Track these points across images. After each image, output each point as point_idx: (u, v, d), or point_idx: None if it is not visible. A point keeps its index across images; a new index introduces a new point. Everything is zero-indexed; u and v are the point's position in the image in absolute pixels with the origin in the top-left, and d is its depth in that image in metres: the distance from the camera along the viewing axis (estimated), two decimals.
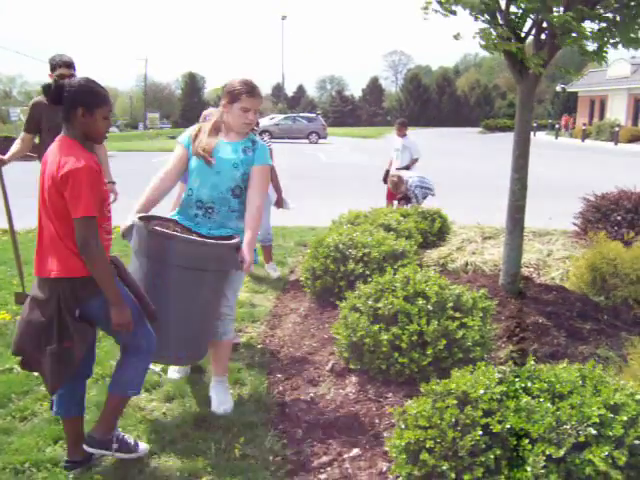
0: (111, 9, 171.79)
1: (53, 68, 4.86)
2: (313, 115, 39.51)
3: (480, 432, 2.33)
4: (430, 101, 65.02)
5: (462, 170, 17.80)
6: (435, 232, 7.61)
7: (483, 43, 4.69)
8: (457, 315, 3.66)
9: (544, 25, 4.57)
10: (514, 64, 4.77)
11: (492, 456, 2.30)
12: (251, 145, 3.51)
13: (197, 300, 3.21)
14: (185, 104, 74.57)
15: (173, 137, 43.95)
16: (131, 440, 2.97)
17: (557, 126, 38.54)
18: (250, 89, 3.46)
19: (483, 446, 2.32)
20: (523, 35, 4.82)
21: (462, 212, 9.11)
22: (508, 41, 4.61)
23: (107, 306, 2.71)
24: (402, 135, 9.00)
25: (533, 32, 4.73)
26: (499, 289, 5.13)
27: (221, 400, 3.53)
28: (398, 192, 8.63)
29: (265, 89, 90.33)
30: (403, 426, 2.47)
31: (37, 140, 5.03)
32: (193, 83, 75.65)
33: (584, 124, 35.96)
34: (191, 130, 3.56)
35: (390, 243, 5.37)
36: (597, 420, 2.31)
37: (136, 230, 3.22)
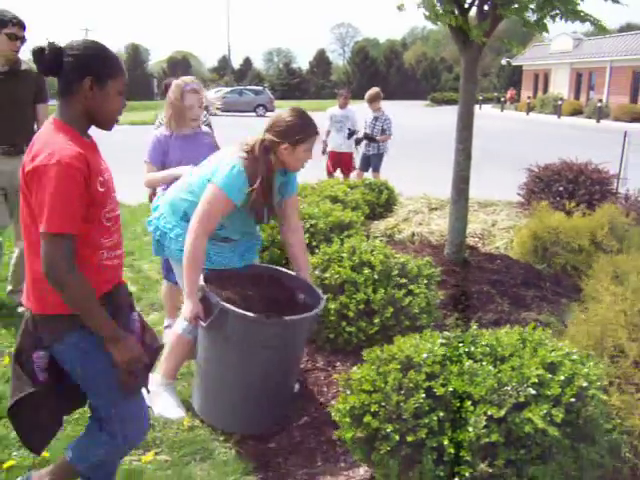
0: None
1: (2, 23, 4.08)
2: (260, 88, 39.09)
3: (423, 395, 2.37)
4: (378, 74, 64.95)
5: (410, 142, 17.91)
6: (382, 203, 7.68)
7: (427, 14, 4.70)
8: (403, 282, 3.71)
9: None
10: (457, 35, 4.80)
11: (435, 418, 2.35)
12: (283, 178, 3.23)
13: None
14: (128, 76, 72.32)
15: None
16: None
17: (503, 99, 39.13)
18: (316, 129, 3.11)
19: (426, 408, 2.37)
20: (467, 6, 4.85)
21: (410, 184, 9.19)
22: (451, 12, 4.63)
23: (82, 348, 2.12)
24: (344, 106, 8.95)
25: (476, 2, 4.76)
26: (445, 259, 5.21)
27: (170, 405, 3.28)
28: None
29: (210, 62, 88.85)
30: (348, 392, 2.50)
31: None
32: (136, 55, 73.59)
33: (528, 97, 36.61)
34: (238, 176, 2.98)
35: (337, 214, 5.38)
36: (536, 380, 2.38)
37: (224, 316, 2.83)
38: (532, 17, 4.62)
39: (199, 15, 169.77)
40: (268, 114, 34.56)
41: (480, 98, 42.53)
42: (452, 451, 2.30)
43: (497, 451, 2.29)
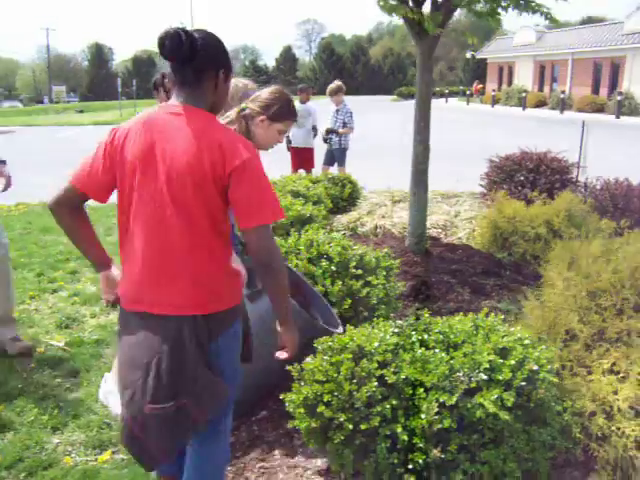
0: None
1: None
2: None
3: (375, 383, 2.37)
4: (344, 70, 65.04)
5: (374, 137, 17.96)
6: (346, 197, 7.71)
7: (381, 4, 4.71)
8: (359, 273, 3.71)
9: None
10: (412, 26, 4.82)
11: (388, 406, 2.35)
12: None
13: None
14: (93, 76, 71.64)
15: (81, 111, 42.14)
16: None
17: (468, 92, 39.45)
18: (295, 114, 3.10)
19: (379, 397, 2.37)
20: None
21: (375, 178, 9.21)
22: (404, 4, 4.65)
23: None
24: (305, 101, 8.94)
25: None
26: (406, 250, 5.24)
27: None
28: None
29: None
30: (302, 383, 2.49)
31: None
32: (100, 54, 72.69)
33: (493, 90, 36.95)
34: None
35: (297, 209, 5.37)
36: (487, 366, 2.40)
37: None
38: (484, 8, 4.66)
39: (163, 13, 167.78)
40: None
41: (446, 91, 42.89)
42: (405, 438, 2.30)
43: (450, 437, 2.31)
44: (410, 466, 2.30)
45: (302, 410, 2.42)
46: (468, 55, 45.91)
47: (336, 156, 8.96)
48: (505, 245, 5.41)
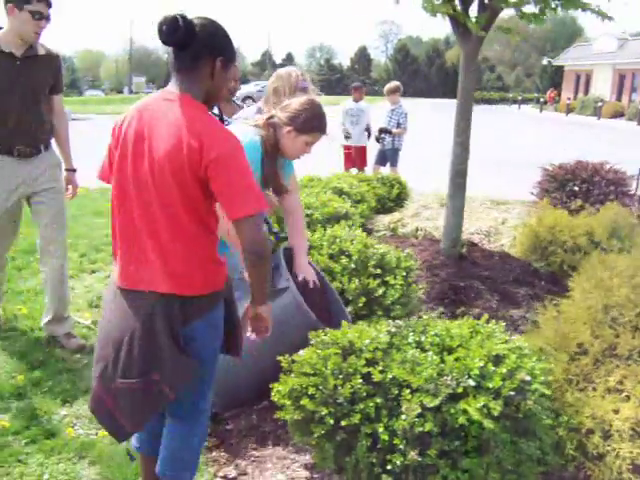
0: None
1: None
2: None
3: (360, 380, 2.35)
4: (419, 72, 64.65)
5: (432, 139, 17.75)
6: (393, 198, 7.65)
7: (425, 5, 4.65)
8: (378, 272, 3.68)
9: None
10: (457, 27, 4.74)
11: (371, 404, 2.33)
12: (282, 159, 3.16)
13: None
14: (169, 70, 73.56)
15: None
16: None
17: (542, 100, 38.43)
18: (324, 126, 3.05)
19: (364, 394, 2.35)
20: None
21: (427, 180, 9.10)
22: (448, 3, 4.57)
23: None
24: (358, 100, 8.93)
25: None
26: (440, 253, 5.16)
27: None
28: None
29: (254, 56, 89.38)
30: (291, 375, 2.49)
31: None
32: None
33: (568, 98, 35.88)
34: (255, 153, 2.90)
35: (334, 205, 5.36)
36: (477, 372, 2.34)
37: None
38: (534, 9, 4.54)
39: (242, 8, 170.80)
40: None
41: (519, 98, 41.94)
42: (386, 438, 2.27)
43: (431, 441, 2.27)
44: (389, 467, 2.27)
45: (287, 401, 2.43)
46: (544, 62, 44.71)
47: (389, 156, 8.92)
48: (544, 254, 5.25)
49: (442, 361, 2.43)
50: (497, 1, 4.38)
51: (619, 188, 7.08)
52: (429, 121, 27.03)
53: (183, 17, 1.88)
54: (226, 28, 2.02)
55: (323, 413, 2.34)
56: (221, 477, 2.66)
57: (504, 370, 2.35)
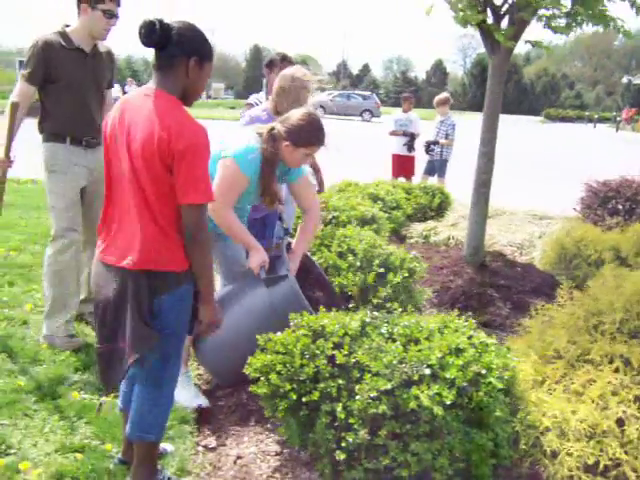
0: None
1: None
2: (368, 93, 39.44)
3: (324, 361, 2.52)
4: None
5: (505, 156, 17.59)
6: (435, 207, 7.73)
7: (455, 16, 4.77)
8: (382, 271, 3.82)
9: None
10: (486, 38, 4.82)
11: (333, 384, 2.49)
12: (284, 167, 3.30)
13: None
14: (248, 76, 75.39)
15: (233, 107, 44.29)
16: None
17: (618, 119, 37.24)
18: (322, 139, 3.19)
19: (327, 375, 2.51)
20: (502, 12, 4.85)
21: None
22: (478, 14, 4.67)
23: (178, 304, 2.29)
24: (407, 110, 9.06)
25: (506, 8, 4.77)
26: (461, 260, 5.23)
27: (193, 393, 3.25)
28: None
29: (330, 66, 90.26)
30: (266, 351, 2.68)
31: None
32: (257, 55, 76.25)
33: None
34: (251, 155, 3.10)
35: (361, 209, 5.52)
36: (435, 362, 2.47)
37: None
38: (561, 23, 4.59)
39: (322, 19, 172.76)
40: (374, 119, 34.82)
41: (595, 116, 40.75)
42: (343, 417, 2.43)
43: (384, 423, 2.40)
44: (343, 444, 2.42)
45: (258, 376, 2.62)
46: (625, 80, 43.31)
47: (436, 167, 8.99)
48: (568, 267, 5.24)
49: (405, 350, 2.56)
50: (525, 14, 4.45)
51: None
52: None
53: (160, 21, 2.12)
54: (202, 31, 2.24)
55: (287, 389, 2.52)
56: (202, 446, 2.87)
57: (461, 362, 2.47)
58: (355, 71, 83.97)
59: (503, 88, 4.97)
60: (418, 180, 8.98)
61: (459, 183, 8.53)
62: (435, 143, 8.77)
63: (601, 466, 2.41)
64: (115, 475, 2.57)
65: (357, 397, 2.42)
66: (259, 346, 2.71)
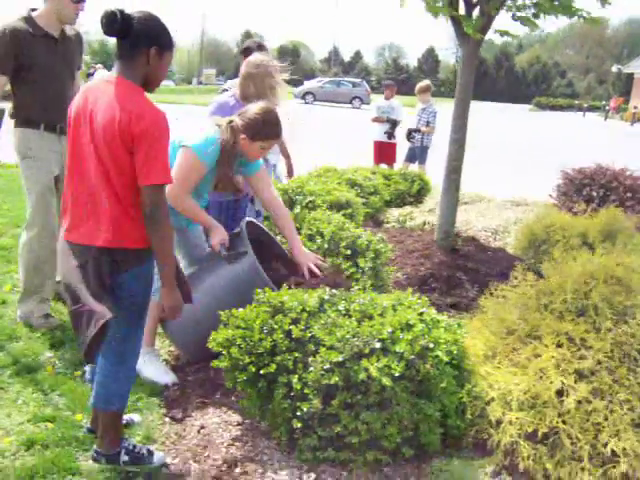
0: None
1: None
2: (358, 80, 39.46)
3: (282, 335, 2.66)
4: (486, 75, 63.86)
5: (484, 144, 17.73)
6: (413, 193, 7.87)
7: (427, 8, 4.87)
8: (348, 253, 3.95)
9: None
10: (457, 28, 4.94)
11: (289, 357, 2.63)
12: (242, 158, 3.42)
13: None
14: (239, 62, 74.92)
15: (224, 91, 44.17)
16: (144, 450, 2.62)
17: (607, 108, 37.43)
18: (278, 133, 3.35)
19: (284, 348, 2.65)
20: (474, 2, 4.96)
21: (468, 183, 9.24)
22: (449, 6, 4.78)
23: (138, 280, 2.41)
24: (389, 98, 9.17)
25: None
26: (432, 244, 5.37)
27: (162, 370, 3.37)
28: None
29: (321, 53, 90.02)
30: (228, 328, 2.81)
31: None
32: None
33: (635, 107, 34.76)
34: (211, 147, 3.22)
35: (336, 194, 5.64)
36: (386, 337, 2.61)
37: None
38: (527, 14, 4.71)
39: (314, 5, 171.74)
40: (363, 106, 34.85)
41: (585, 105, 40.92)
42: (298, 388, 2.57)
43: (336, 393, 2.55)
44: (298, 413, 2.56)
45: (220, 349, 2.75)
46: (614, 69, 43.48)
47: (417, 154, 9.12)
48: (537, 252, 5.39)
49: (359, 326, 2.70)
50: (490, 7, 4.56)
51: (637, 195, 7.09)
52: (476, 125, 26.85)
53: (121, 11, 2.23)
54: (162, 20, 2.35)
55: (246, 361, 2.65)
56: (169, 417, 3.01)
57: (410, 337, 2.61)
58: (347, 58, 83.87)
59: (474, 76, 5.08)
60: (399, 167, 9.12)
61: (440, 170, 8.66)
62: (416, 131, 8.90)
63: (539, 434, 2.56)
64: (83, 442, 2.70)
65: (311, 369, 2.56)
66: (222, 322, 2.85)
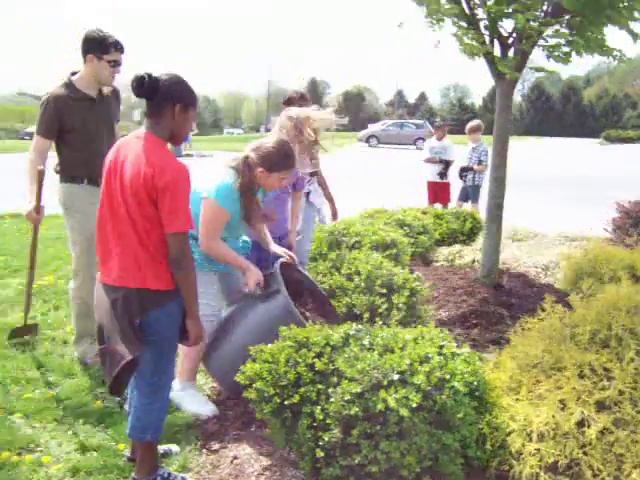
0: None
1: (104, 48, 3.86)
2: (421, 121, 39.66)
3: (305, 368, 2.79)
4: (552, 111, 62.96)
5: (545, 179, 17.49)
6: (466, 232, 7.92)
7: (461, 48, 5.04)
8: (384, 291, 4.07)
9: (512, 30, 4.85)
10: (492, 67, 5.06)
11: (312, 389, 2.76)
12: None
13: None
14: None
15: None
16: (178, 478, 2.82)
17: None
18: (292, 164, 3.58)
19: (307, 380, 2.78)
20: (510, 42, 5.09)
21: (515, 217, 9.21)
22: (482, 45, 4.93)
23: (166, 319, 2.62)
24: (441, 138, 9.31)
25: (511, 39, 5.00)
26: (476, 281, 5.41)
27: (202, 402, 3.57)
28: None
29: (386, 96, 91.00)
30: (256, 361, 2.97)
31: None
32: (314, 88, 77.83)
33: None
34: (229, 191, 3.44)
35: (382, 234, 5.77)
36: (405, 369, 2.71)
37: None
38: (560, 53, 4.79)
39: (377, 50, 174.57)
40: None
41: None
42: (320, 418, 2.69)
43: (356, 423, 2.65)
44: (320, 443, 2.68)
45: (247, 382, 2.91)
46: None
47: (470, 193, 9.18)
48: (582, 286, 5.34)
49: (380, 359, 2.80)
50: (524, 46, 4.67)
51: None
52: (542, 160, 26.45)
53: (149, 75, 2.51)
54: (186, 80, 2.63)
55: (271, 393, 2.80)
56: (206, 448, 3.17)
57: (427, 369, 2.70)
58: (412, 100, 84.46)
59: (511, 114, 5.17)
60: (453, 206, 9.18)
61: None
62: (468, 169, 8.97)
63: (560, 465, 2.58)
64: (124, 470, 2.90)
65: (332, 400, 2.68)
66: (251, 356, 3.01)
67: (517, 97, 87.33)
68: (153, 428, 2.73)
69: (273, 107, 77.86)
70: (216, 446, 3.18)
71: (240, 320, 3.50)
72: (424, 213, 7.61)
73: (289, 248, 4.10)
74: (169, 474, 2.80)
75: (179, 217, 2.48)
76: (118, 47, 3.89)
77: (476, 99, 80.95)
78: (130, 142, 2.60)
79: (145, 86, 2.50)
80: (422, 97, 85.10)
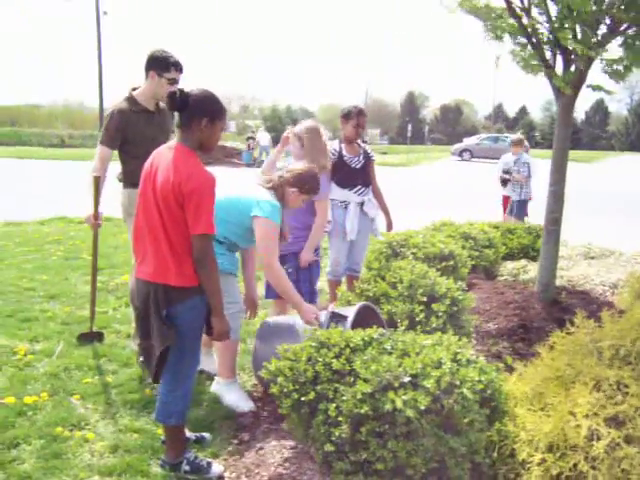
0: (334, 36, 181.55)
1: (165, 67, 4.15)
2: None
3: (323, 367, 2.95)
4: None
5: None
6: (537, 247, 7.79)
7: (521, 65, 5.06)
8: (424, 300, 4.16)
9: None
10: (551, 82, 5.04)
11: (329, 387, 2.91)
12: None
13: None
14: (401, 122, 76.69)
15: (385, 153, 44.93)
16: (204, 462, 3.03)
17: None
18: (319, 188, 3.96)
19: (325, 379, 2.94)
20: (572, 57, 5.06)
21: (592, 236, 8.98)
22: (542, 62, 4.93)
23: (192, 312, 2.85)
24: (516, 153, 9.26)
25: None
26: (531, 296, 5.37)
27: (241, 397, 3.81)
28: None
29: (485, 110, 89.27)
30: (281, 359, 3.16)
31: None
32: (411, 101, 77.53)
33: None
34: (277, 208, 3.68)
35: (440, 246, 5.83)
36: (417, 372, 2.82)
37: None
38: (619, 69, 4.73)
39: (475, 64, 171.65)
40: None
41: None
42: (333, 415, 2.84)
43: (366, 422, 2.78)
44: (332, 438, 2.83)
45: (269, 377, 3.10)
46: None
47: (515, 207, 9.11)
48: None
49: (396, 362, 2.92)
50: (581, 61, 4.65)
51: None
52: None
53: (181, 90, 2.78)
54: (214, 94, 2.87)
55: (290, 389, 2.98)
56: (238, 439, 3.40)
57: (438, 374, 2.79)
58: (512, 114, 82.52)
59: (571, 129, 5.13)
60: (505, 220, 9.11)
61: (572, 224, 8.48)
62: (507, 180, 9.08)
63: (565, 477, 2.60)
64: (157, 451, 3.17)
65: (344, 398, 2.82)
66: (277, 355, 3.21)
67: (623, 111, 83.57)
68: (177, 413, 2.97)
69: (371, 119, 78.40)
70: (246, 437, 3.40)
71: (288, 327, 3.75)
72: (496, 227, 7.57)
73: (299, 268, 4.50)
74: (195, 457, 3.04)
75: (202, 220, 2.72)
76: (178, 67, 4.17)
77: (579, 113, 78.03)
78: (163, 152, 2.88)
79: (177, 100, 2.75)
80: (523, 111, 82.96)
